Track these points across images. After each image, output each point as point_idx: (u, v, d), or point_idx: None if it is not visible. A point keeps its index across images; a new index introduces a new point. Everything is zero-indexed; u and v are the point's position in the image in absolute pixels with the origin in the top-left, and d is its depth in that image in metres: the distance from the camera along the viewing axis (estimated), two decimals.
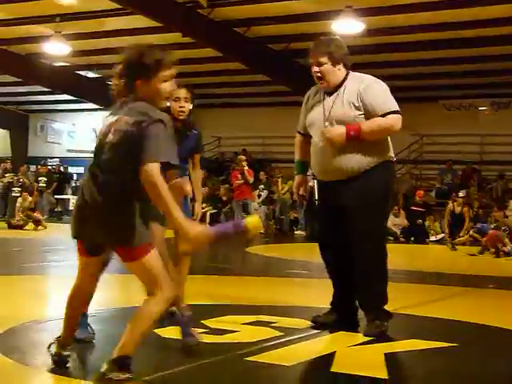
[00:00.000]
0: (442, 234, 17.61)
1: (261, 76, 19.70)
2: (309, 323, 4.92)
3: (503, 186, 19.64)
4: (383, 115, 4.63)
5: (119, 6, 15.13)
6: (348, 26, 14.89)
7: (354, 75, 4.81)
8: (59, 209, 23.51)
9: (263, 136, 23.70)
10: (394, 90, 4.75)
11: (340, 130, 4.60)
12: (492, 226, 15.03)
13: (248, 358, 3.98)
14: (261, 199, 19.92)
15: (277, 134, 23.28)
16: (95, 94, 23.02)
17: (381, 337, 4.55)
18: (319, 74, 4.72)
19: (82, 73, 22.47)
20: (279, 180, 20.00)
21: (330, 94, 4.78)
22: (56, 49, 18.09)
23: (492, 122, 20.73)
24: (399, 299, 6.05)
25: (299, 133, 5.15)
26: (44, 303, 6.30)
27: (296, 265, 9.98)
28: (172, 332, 4.58)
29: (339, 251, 4.86)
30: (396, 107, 4.70)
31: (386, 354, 4.14)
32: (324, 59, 4.70)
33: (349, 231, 4.72)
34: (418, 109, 21.51)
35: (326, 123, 4.71)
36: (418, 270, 10.21)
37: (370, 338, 4.55)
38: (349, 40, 16.38)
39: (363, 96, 4.65)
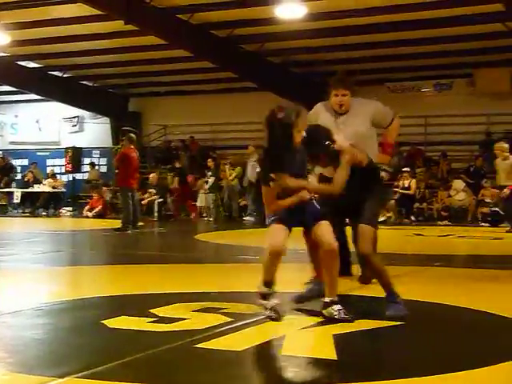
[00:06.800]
0: (388, 215, 17.91)
1: (206, 63, 19.61)
2: (257, 308, 4.90)
3: (447, 166, 20.00)
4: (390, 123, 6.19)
5: None
6: (291, 11, 14.92)
7: (356, 100, 6.00)
8: (3, 202, 23.08)
9: (211, 123, 23.63)
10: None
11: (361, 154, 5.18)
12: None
13: (199, 345, 3.99)
14: (208, 186, 19.90)
15: (224, 121, 23.24)
16: (37, 84, 22.68)
17: None
18: (342, 102, 5.89)
19: (23, 63, 22.07)
20: (227, 166, 19.96)
21: (340, 114, 5.93)
22: None
23: (435, 104, 21.07)
24: (347, 281, 6.15)
25: None
26: None
27: (245, 251, 9.98)
28: (120, 322, 4.57)
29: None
30: (392, 112, 6.22)
31: (334, 336, 4.19)
32: (347, 92, 5.89)
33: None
34: (364, 92, 21.61)
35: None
36: None
37: (318, 320, 4.61)
38: (292, 25, 16.57)
39: (373, 116, 6.02)
